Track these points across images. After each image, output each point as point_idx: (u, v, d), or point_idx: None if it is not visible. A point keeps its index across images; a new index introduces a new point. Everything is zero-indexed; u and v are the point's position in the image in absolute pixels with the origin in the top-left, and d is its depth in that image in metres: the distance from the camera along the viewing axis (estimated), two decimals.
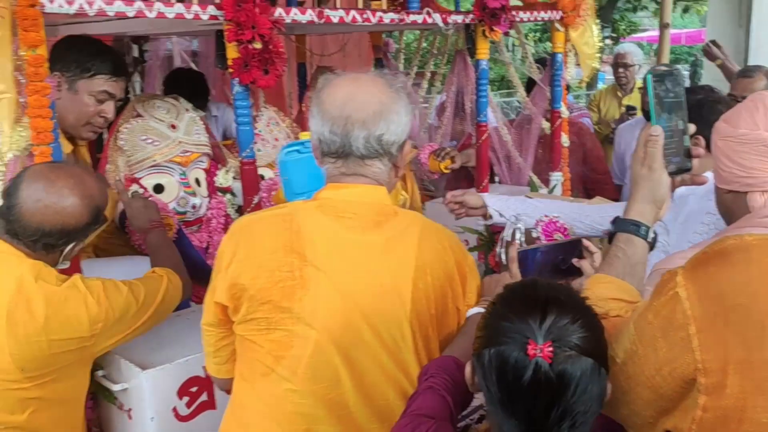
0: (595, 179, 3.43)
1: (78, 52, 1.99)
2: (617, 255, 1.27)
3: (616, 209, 1.86)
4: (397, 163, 1.37)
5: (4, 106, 1.54)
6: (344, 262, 1.30)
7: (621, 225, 1.29)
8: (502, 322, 1.01)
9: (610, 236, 1.31)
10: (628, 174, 3.09)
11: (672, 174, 1.30)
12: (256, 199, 2.09)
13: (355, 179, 1.34)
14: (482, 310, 1.30)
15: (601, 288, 1.24)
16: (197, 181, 2.55)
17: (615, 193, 3.36)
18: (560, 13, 2.80)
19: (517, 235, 1.89)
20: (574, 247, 1.56)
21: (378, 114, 1.29)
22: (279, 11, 1.95)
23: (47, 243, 1.48)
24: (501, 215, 2.10)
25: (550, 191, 2.97)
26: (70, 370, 1.48)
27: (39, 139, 1.57)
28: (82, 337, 1.44)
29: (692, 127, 1.32)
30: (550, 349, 0.95)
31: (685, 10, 16.96)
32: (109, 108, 2.10)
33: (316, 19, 2.07)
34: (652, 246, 1.29)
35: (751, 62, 4.83)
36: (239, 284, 1.31)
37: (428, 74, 3.47)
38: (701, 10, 17.16)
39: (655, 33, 15.16)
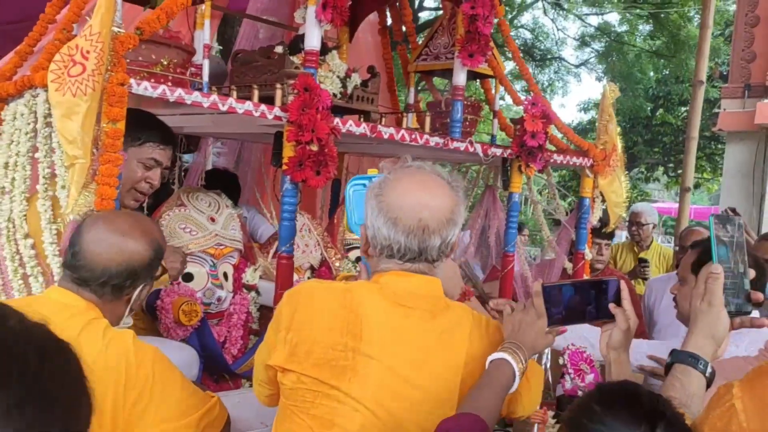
0: None
1: (129, 122, 2.10)
2: (674, 385, 1.26)
3: (657, 346, 1.85)
4: (449, 255, 1.42)
5: (75, 171, 1.63)
6: (398, 348, 1.32)
7: (679, 356, 1.28)
8: (599, 425, 0.96)
9: (667, 367, 1.30)
10: (656, 329, 3.11)
11: (731, 314, 1.31)
12: None
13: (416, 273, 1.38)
14: (504, 355, 1.30)
15: None
16: (225, 276, 2.60)
17: None
18: (591, 160, 2.95)
19: (543, 359, 1.89)
20: (604, 289, 1.43)
21: (450, 222, 1.35)
22: (337, 120, 2.09)
23: (115, 285, 1.47)
24: None
25: None
26: None
27: (102, 205, 1.64)
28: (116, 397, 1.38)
29: (752, 272, 1.35)
30: None
31: (696, 186, 17.62)
32: (155, 175, 2.15)
33: (368, 133, 2.21)
34: (709, 383, 1.27)
35: None
36: (296, 355, 1.32)
37: None
38: (711, 188, 17.80)
39: (665, 205, 15.68)
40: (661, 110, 16.40)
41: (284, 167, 2.01)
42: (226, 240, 2.59)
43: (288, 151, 2.01)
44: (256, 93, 2.08)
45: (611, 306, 1.40)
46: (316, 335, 1.31)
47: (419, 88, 3.56)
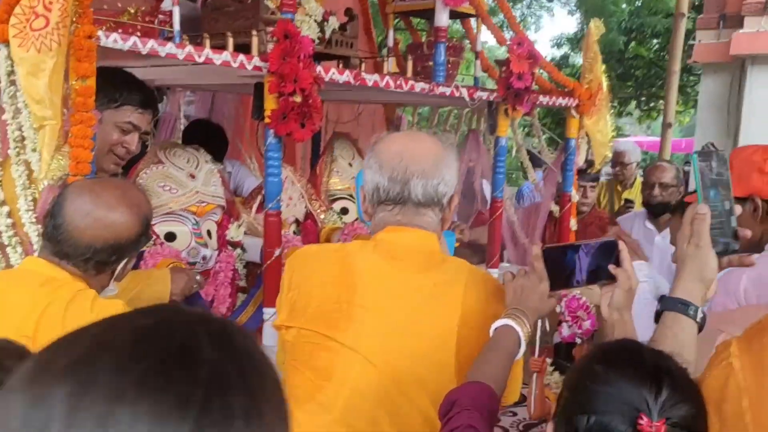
0: None
1: (107, 82, 1.97)
2: (665, 335, 1.21)
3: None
4: (446, 216, 1.41)
5: (46, 133, 1.52)
6: (392, 300, 1.34)
7: (668, 303, 1.23)
8: (603, 386, 0.91)
9: (657, 315, 1.26)
10: None
11: (719, 254, 1.26)
12: (277, 252, 2.05)
13: (411, 227, 1.38)
14: (508, 321, 1.27)
15: None
16: (209, 233, 2.52)
17: None
18: (576, 100, 2.89)
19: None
20: (606, 250, 1.37)
21: (434, 165, 1.35)
22: (319, 69, 1.99)
23: (99, 260, 1.39)
24: None
25: None
26: None
27: (77, 169, 1.54)
28: None
29: (738, 208, 1.32)
30: (664, 428, 0.86)
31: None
32: (132, 139, 2.03)
33: (352, 81, 2.11)
34: (701, 327, 1.23)
35: None
36: (295, 310, 1.37)
37: None
38: (683, 120, 17.89)
39: (638, 139, 15.76)
40: (633, 43, 16.27)
41: (267, 120, 1.92)
42: (207, 197, 2.50)
43: (270, 103, 1.91)
44: (230, 41, 1.97)
45: (611, 267, 1.34)
46: (311, 290, 1.35)
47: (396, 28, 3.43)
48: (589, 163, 3.10)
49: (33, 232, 1.65)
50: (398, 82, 2.24)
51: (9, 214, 1.65)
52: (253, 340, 0.58)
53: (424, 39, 3.18)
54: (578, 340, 1.88)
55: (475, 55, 3.02)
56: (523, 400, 1.65)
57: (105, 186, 1.49)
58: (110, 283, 1.48)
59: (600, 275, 1.36)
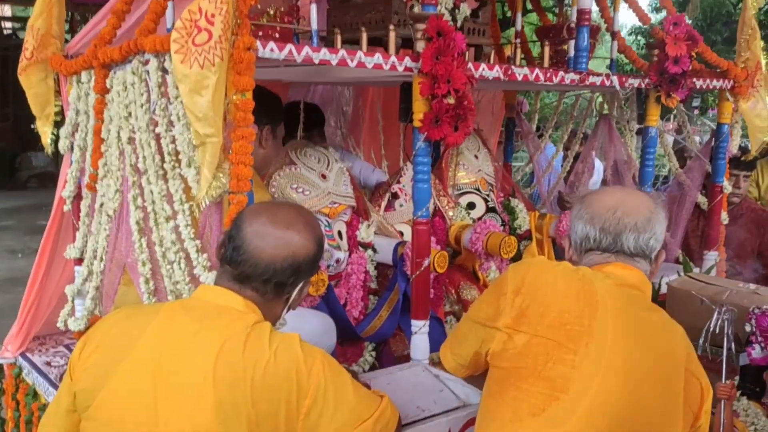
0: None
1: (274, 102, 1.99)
2: None
3: None
4: (653, 271, 1.43)
5: (207, 150, 1.46)
6: (630, 329, 1.31)
7: None
8: None
9: None
10: None
11: None
12: (426, 263, 1.95)
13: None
14: None
15: None
16: (339, 234, 2.45)
17: None
18: (731, 82, 2.62)
19: (726, 327, 1.68)
20: None
21: (647, 221, 1.39)
22: (469, 66, 1.84)
23: (278, 282, 1.34)
24: None
25: (707, 272, 2.73)
26: None
27: (238, 186, 1.48)
28: (289, 408, 1.27)
29: None
30: None
31: None
32: None
33: (502, 76, 1.96)
34: None
35: None
36: (527, 317, 1.32)
37: (565, 136, 3.33)
38: None
39: None
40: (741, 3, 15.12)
41: (418, 124, 1.80)
42: (339, 198, 2.43)
43: (421, 105, 1.79)
44: (364, 36, 1.84)
45: None
46: (550, 298, 1.32)
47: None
48: (743, 149, 2.82)
49: (192, 248, 1.62)
50: (548, 75, 2.06)
51: (173, 230, 1.62)
52: None
53: (553, 21, 2.97)
54: None
55: (612, 35, 2.78)
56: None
57: (280, 206, 1.46)
58: (281, 316, 1.42)
59: None
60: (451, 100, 1.76)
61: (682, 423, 1.27)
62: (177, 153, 1.60)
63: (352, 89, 3.41)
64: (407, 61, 1.74)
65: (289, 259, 1.33)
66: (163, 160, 1.63)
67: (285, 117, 2.42)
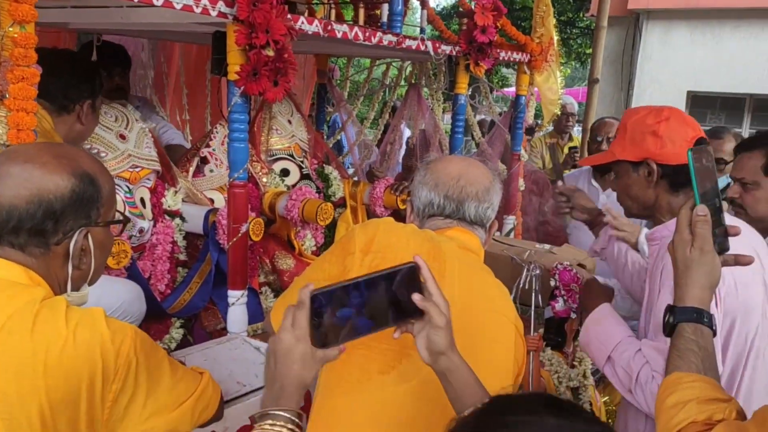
0: (546, 231, 3.36)
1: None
2: (692, 349, 1.13)
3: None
4: (486, 240, 1.50)
5: None
6: (473, 288, 1.34)
7: (684, 314, 1.15)
8: None
9: (669, 327, 1.16)
10: (571, 224, 3.13)
11: None
12: (244, 228, 1.81)
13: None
14: None
15: (693, 389, 1.09)
16: (142, 202, 2.22)
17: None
18: (528, 55, 2.79)
19: (534, 283, 1.78)
20: (405, 280, 1.07)
21: (487, 191, 1.45)
22: (288, 17, 1.73)
23: (32, 229, 1.09)
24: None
25: (506, 235, 2.92)
26: None
27: (19, 138, 1.23)
28: (92, 396, 1.06)
29: (725, 205, 1.25)
30: None
31: None
32: None
33: (321, 32, 1.87)
34: (714, 334, 1.16)
35: None
36: None
37: (375, 105, 3.34)
38: (565, 72, 18.60)
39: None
40: None
41: (235, 77, 1.65)
42: (141, 161, 2.19)
43: (236, 57, 1.64)
44: None
45: (416, 298, 1.06)
46: (402, 257, 1.20)
47: None
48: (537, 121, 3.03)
49: None
50: (367, 35, 2.01)
51: None
52: None
53: None
54: (573, 315, 1.82)
55: (421, 4, 2.82)
56: None
57: (34, 146, 1.18)
58: (69, 274, 1.17)
59: (405, 311, 1.08)
60: (270, 52, 1.63)
61: (512, 376, 1.32)
62: None
63: (157, 46, 3.10)
64: (221, 6, 1.58)
65: (35, 198, 1.08)
66: None
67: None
